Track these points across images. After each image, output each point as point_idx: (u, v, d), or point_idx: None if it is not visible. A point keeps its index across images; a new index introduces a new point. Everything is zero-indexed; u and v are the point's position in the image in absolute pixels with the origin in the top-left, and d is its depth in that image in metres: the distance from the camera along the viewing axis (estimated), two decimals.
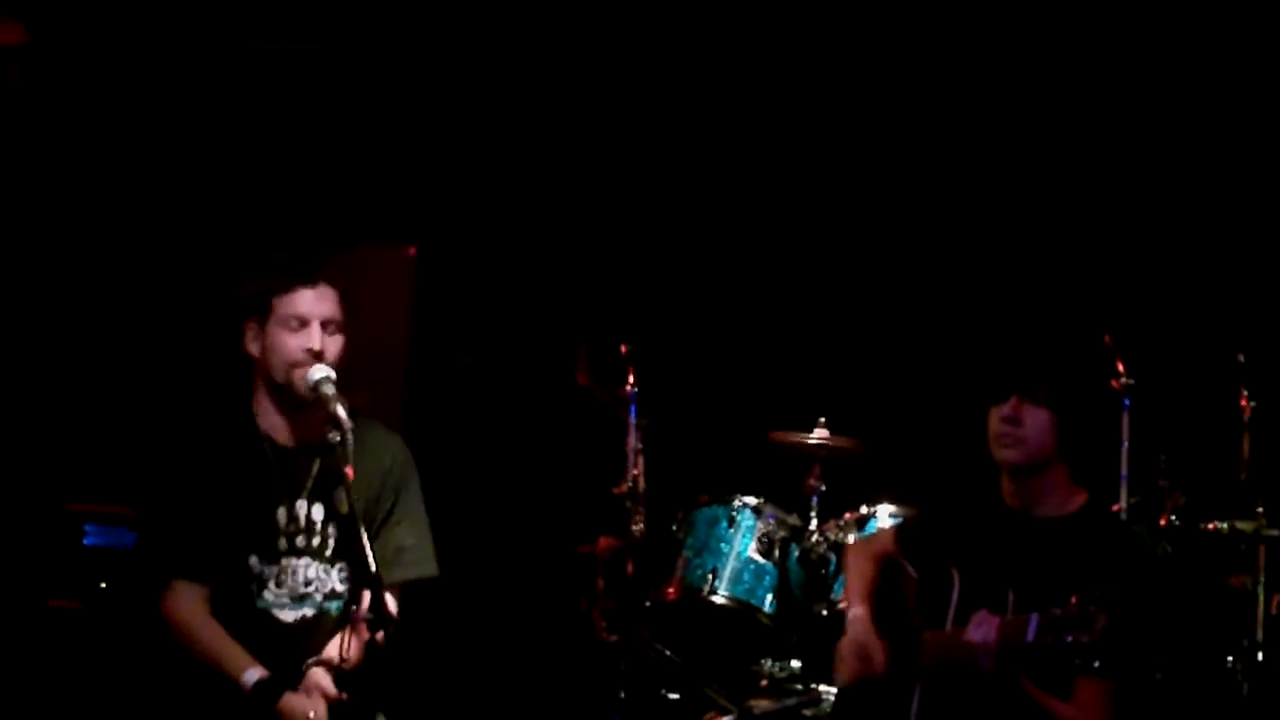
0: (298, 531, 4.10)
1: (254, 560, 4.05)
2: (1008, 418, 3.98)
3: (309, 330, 4.02)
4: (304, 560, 4.10)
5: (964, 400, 4.21)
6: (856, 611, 4.30)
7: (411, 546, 4.22)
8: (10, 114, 6.36)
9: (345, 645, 3.91)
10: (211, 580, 4.04)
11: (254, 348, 4.10)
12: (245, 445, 4.09)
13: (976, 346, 5.93)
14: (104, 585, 5.61)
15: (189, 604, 4.03)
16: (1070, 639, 3.57)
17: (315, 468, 4.08)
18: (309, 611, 4.10)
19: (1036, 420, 3.98)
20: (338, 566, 4.13)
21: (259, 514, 4.07)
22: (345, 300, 4.11)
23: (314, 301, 4.04)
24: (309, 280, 4.05)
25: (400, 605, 4.16)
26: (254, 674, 3.94)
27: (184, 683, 4.05)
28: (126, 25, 6.43)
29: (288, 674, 4.01)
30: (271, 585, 4.06)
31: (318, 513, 4.12)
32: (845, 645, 4.25)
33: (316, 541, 4.11)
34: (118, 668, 5.31)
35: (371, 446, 4.17)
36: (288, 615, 4.08)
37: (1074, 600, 3.58)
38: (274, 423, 4.11)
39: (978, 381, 4.11)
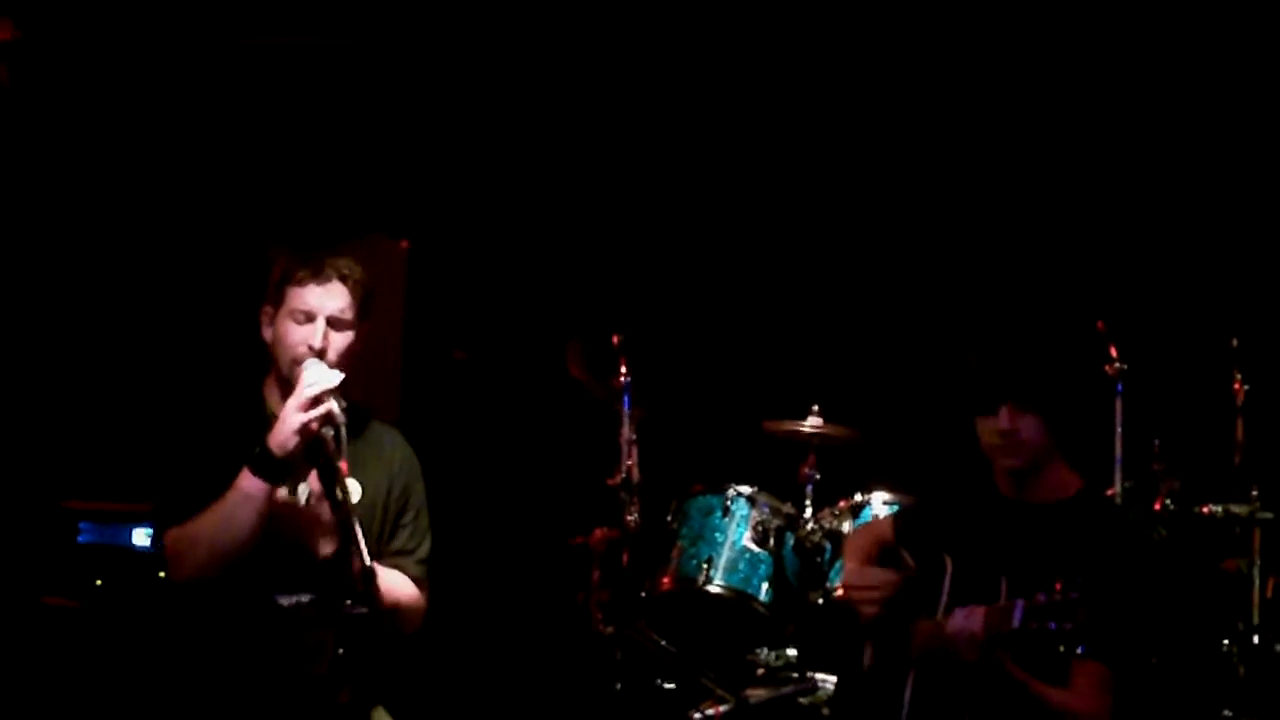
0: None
1: (258, 544, 4.04)
2: (1004, 431, 3.99)
3: (314, 325, 4.02)
4: (306, 542, 4.09)
5: (956, 390, 4.22)
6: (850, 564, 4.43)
7: (411, 550, 4.25)
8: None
9: None
10: None
11: (267, 334, 4.11)
12: (253, 427, 4.06)
13: (965, 346, 5.92)
14: (99, 583, 5.61)
15: None
16: (1054, 625, 3.59)
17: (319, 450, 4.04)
18: (310, 595, 4.09)
19: (1031, 426, 3.99)
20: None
21: None
22: (365, 295, 4.08)
23: (321, 297, 4.02)
24: (319, 274, 4.03)
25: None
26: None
27: (180, 682, 4.04)
28: (117, 21, 6.41)
29: (291, 665, 4.00)
30: (275, 571, 4.05)
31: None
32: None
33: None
34: (113, 666, 5.32)
35: (379, 445, 4.21)
36: (289, 601, 4.07)
37: (1058, 586, 3.60)
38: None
39: (964, 393, 4.10)
